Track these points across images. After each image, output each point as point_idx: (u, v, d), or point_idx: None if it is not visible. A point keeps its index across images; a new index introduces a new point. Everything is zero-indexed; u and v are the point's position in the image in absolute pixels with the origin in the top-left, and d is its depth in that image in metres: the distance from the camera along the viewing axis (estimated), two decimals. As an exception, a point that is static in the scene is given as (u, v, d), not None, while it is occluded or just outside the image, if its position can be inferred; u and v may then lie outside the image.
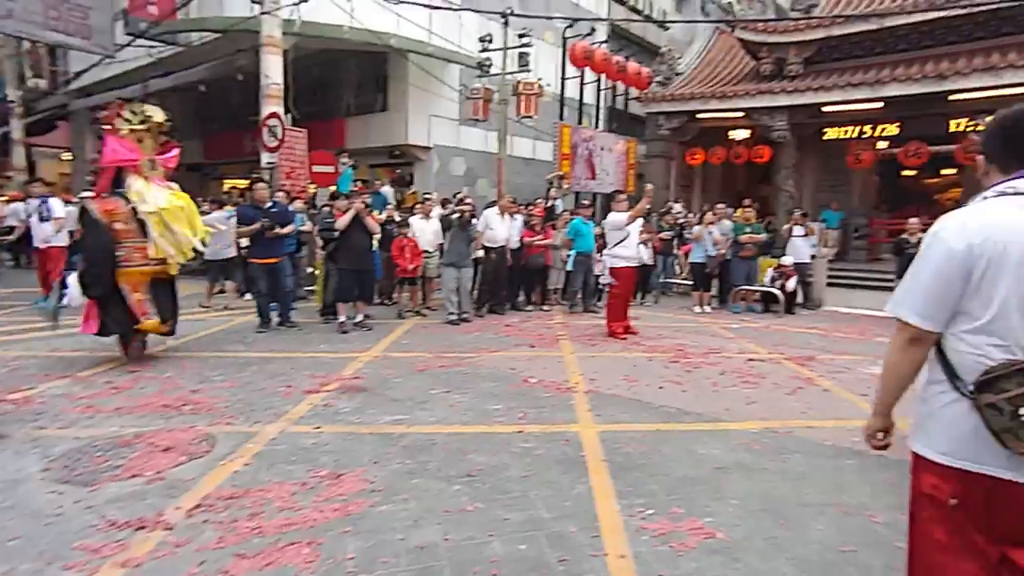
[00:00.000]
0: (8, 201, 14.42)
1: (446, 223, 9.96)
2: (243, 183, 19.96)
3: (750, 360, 7.74)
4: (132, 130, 6.69)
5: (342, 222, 8.70)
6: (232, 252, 10.77)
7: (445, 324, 9.60)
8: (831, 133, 17.69)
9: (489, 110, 16.75)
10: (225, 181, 22.90)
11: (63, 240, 10.32)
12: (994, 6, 13.61)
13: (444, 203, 11.28)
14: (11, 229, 12.71)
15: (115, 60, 17.68)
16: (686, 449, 4.56)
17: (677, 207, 15.93)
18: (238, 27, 13.57)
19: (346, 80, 18.86)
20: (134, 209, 6.53)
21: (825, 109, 16.19)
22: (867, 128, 16.70)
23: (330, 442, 4.52)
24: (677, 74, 19.76)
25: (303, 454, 4.28)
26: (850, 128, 17.09)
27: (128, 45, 16.50)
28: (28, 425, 4.75)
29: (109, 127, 6.68)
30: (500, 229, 10.47)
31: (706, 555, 3.13)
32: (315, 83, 18.23)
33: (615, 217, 9.03)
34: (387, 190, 14.70)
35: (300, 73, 13.63)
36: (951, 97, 14.29)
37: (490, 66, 16.42)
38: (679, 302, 13.22)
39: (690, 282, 12.79)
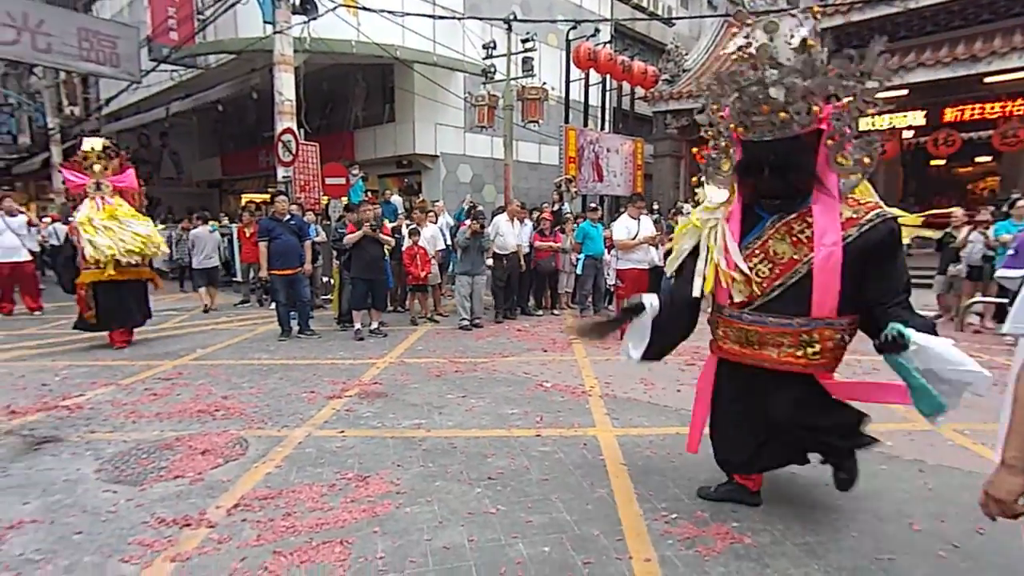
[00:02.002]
0: (51, 221, 15.43)
1: (460, 240, 9.96)
2: (259, 197, 20.44)
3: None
4: (83, 159, 8.26)
5: (350, 239, 8.97)
6: (215, 262, 12.63)
7: (458, 329, 9.73)
8: (851, 123, 17.38)
9: (494, 116, 16.85)
10: (243, 196, 23.37)
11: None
12: None
13: (472, 214, 11.03)
14: (56, 248, 14.23)
15: (141, 85, 18.44)
16: (706, 453, 4.18)
17: (687, 207, 15.87)
18: (252, 47, 13.97)
19: (354, 93, 19.17)
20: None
21: (844, 98, 15.72)
22: (891, 117, 15.72)
23: (354, 446, 4.65)
24: (684, 71, 19.27)
25: (330, 457, 4.43)
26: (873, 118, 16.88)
27: (152, 71, 17.35)
28: (81, 429, 5.06)
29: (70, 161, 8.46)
30: (509, 235, 10.62)
31: (735, 560, 3.08)
32: (325, 98, 18.55)
33: (626, 222, 9.20)
34: (396, 199, 14.92)
35: (310, 89, 13.94)
36: (987, 80, 13.43)
37: (494, 73, 16.54)
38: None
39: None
